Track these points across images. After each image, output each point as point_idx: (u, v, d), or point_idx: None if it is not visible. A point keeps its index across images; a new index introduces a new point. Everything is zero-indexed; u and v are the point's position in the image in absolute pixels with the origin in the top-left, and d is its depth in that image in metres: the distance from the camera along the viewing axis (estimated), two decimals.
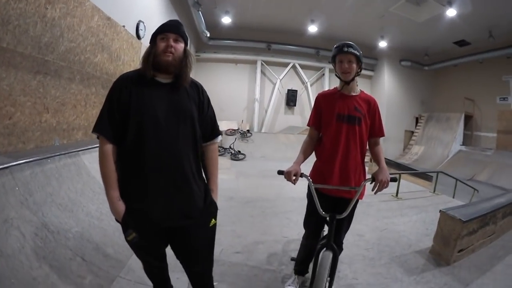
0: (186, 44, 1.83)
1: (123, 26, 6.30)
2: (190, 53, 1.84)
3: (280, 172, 2.36)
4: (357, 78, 2.47)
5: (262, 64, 18.56)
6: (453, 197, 7.59)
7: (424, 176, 9.08)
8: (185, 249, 1.94)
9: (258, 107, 18.38)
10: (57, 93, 4.16)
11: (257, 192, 6.51)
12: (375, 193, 2.30)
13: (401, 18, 14.06)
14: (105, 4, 5.36)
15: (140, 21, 7.48)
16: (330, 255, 2.21)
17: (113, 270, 2.87)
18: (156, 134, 1.69)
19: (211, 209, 1.96)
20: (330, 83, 18.98)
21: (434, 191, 7.28)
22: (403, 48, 18.82)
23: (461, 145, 17.11)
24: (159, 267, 2.10)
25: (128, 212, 1.74)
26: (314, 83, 19.00)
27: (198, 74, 18.43)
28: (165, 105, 1.73)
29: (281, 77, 18.43)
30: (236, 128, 15.16)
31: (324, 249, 2.26)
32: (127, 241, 1.81)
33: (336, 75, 2.49)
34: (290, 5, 14.01)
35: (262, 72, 18.72)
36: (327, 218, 2.29)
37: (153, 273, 2.12)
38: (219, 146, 11.92)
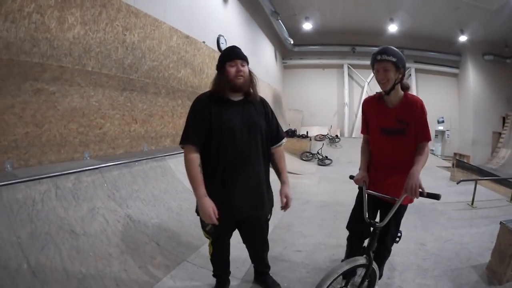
0: (248, 64, 2.14)
1: (203, 42, 6.89)
2: (253, 72, 2.17)
3: (352, 177, 2.46)
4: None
5: (348, 67, 18.33)
6: None
7: (506, 183, 7.84)
8: (249, 234, 2.41)
9: (348, 111, 18.01)
10: (144, 106, 4.79)
11: (334, 196, 6.43)
12: (410, 198, 2.11)
13: (476, 8, 12.96)
14: (182, 24, 5.98)
15: (220, 35, 8.06)
16: (357, 261, 2.07)
17: (182, 255, 3.19)
18: (233, 142, 2.04)
19: (270, 206, 2.32)
20: (417, 83, 17.67)
21: (511, 200, 6.23)
22: (483, 41, 16.63)
23: None
24: (225, 253, 2.48)
25: None
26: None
27: (287, 80, 18.82)
28: (239, 119, 2.07)
29: (368, 80, 17.74)
30: (325, 134, 15.00)
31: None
32: (205, 231, 2.25)
33: None
34: (367, 5, 13.80)
35: (350, 76, 18.43)
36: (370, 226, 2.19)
37: (219, 259, 2.48)
38: (306, 152, 12.11)
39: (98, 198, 3.19)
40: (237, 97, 2.11)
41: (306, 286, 2.86)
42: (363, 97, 17.64)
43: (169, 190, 4.28)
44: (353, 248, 2.55)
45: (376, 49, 2.26)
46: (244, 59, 2.09)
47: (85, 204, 2.99)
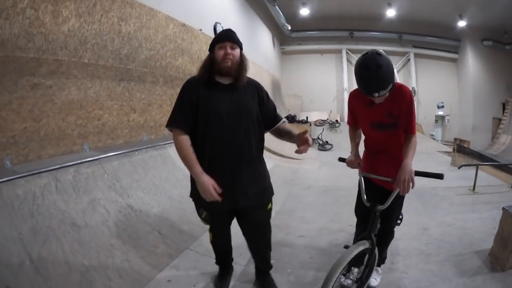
0: (241, 49, 2.06)
1: (200, 30, 6.82)
2: (245, 57, 2.08)
3: (341, 159, 2.46)
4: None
5: (347, 52, 18.27)
6: None
7: (507, 169, 7.89)
8: (246, 226, 2.30)
9: (347, 96, 17.76)
10: (142, 95, 4.77)
11: (336, 181, 6.43)
12: (401, 193, 2.07)
13: None
14: (178, 12, 5.90)
15: (217, 22, 7.96)
16: (362, 245, 2.04)
17: (184, 243, 3.22)
18: (221, 128, 1.96)
19: (268, 194, 2.23)
20: (416, 68, 17.63)
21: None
22: (482, 27, 16.50)
23: None
24: (225, 240, 2.46)
25: (198, 193, 1.97)
26: (401, 69, 18.09)
27: (285, 66, 18.71)
28: (227, 102, 1.99)
29: None
30: (325, 119, 14.98)
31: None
32: (201, 218, 2.22)
33: None
34: None
35: (349, 61, 18.30)
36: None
37: (219, 245, 2.48)
38: None
39: (99, 189, 3.21)
40: (227, 81, 2.03)
41: (309, 272, 2.88)
42: None
43: (170, 178, 4.30)
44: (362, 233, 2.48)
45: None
46: (234, 41, 2.01)
47: (85, 196, 3.02)
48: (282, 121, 2.26)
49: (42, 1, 3.12)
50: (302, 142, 2.03)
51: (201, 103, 1.96)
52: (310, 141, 2.02)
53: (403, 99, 2.10)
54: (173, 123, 1.98)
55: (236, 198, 2.04)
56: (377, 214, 2.11)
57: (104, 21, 3.95)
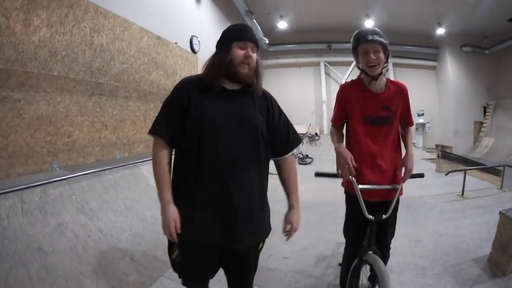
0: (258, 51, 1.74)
1: (176, 43, 6.84)
2: (260, 62, 1.75)
3: (322, 175, 2.26)
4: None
5: (325, 65, 18.83)
6: None
7: (493, 171, 8.10)
8: (231, 267, 1.86)
9: (326, 108, 18.44)
10: (114, 111, 4.70)
11: (319, 196, 6.33)
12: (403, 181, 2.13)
13: (454, 0, 13.66)
14: (153, 25, 5.92)
15: (193, 35, 8.06)
16: (377, 257, 2.04)
17: (158, 270, 3.10)
18: (213, 142, 1.59)
19: (264, 232, 1.85)
20: (395, 78, 18.18)
21: (501, 188, 6.49)
22: (461, 33, 17.58)
23: None
24: None
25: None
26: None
27: (263, 81, 18.85)
28: (226, 112, 1.63)
29: (346, 77, 18.26)
30: (305, 132, 15.21)
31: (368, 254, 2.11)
32: (171, 259, 1.81)
33: (359, 67, 2.20)
34: (341, 2, 14.24)
35: (327, 73, 18.94)
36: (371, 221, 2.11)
37: None
38: None
39: (67, 212, 3.08)
40: (234, 87, 1.68)
41: None
42: None
43: (143, 199, 4.20)
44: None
45: (359, 31, 2.15)
46: (256, 42, 1.68)
47: (52, 219, 2.89)
48: (293, 151, 1.88)
49: (13, 8, 3.05)
50: (286, 227, 1.82)
51: (192, 110, 1.60)
52: (292, 235, 1.84)
53: (401, 93, 2.18)
54: (154, 131, 1.64)
55: (224, 235, 1.65)
56: (374, 225, 2.10)
57: (75, 32, 3.89)
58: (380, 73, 2.09)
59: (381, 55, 2.04)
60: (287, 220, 1.83)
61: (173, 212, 1.57)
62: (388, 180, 2.16)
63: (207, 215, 1.61)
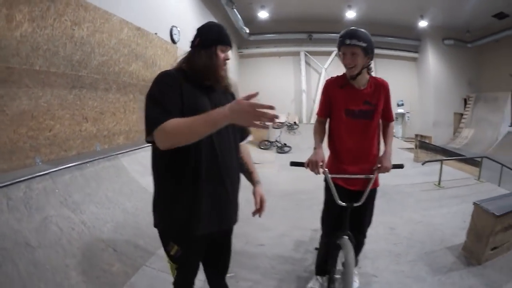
0: None
1: (155, 34, 6.85)
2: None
3: (295, 164, 2.34)
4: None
5: (305, 54, 19.06)
6: (499, 185, 6.94)
7: (472, 162, 8.49)
8: (218, 253, 2.00)
9: (305, 98, 18.70)
10: (94, 103, 4.74)
11: (296, 184, 6.56)
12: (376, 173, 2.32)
13: None
14: (134, 16, 5.91)
15: (173, 26, 8.03)
16: (350, 243, 2.19)
17: (140, 259, 3.29)
18: (211, 138, 1.61)
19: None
20: (376, 68, 18.55)
21: (479, 179, 6.80)
22: (444, 26, 18.13)
23: (509, 126, 16.17)
24: (192, 278, 2.00)
25: (174, 221, 1.71)
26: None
27: (243, 70, 19.05)
28: (213, 107, 1.52)
29: (326, 66, 18.56)
30: (283, 121, 15.41)
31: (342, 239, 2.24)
32: (169, 256, 1.80)
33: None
34: None
35: (307, 63, 19.17)
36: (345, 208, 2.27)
37: (183, 285, 2.00)
38: (265, 140, 12.34)
39: (51, 206, 3.19)
40: (206, 83, 1.73)
41: (271, 282, 2.93)
42: (321, 83, 18.35)
43: (124, 190, 4.33)
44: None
45: (335, 39, 2.28)
46: (231, 46, 1.81)
47: (38, 213, 2.99)
48: (249, 137, 2.04)
49: None
50: (257, 202, 1.96)
51: (186, 102, 1.59)
52: (264, 207, 1.97)
53: (381, 90, 2.35)
54: (165, 116, 1.46)
55: (226, 221, 1.83)
56: (348, 211, 2.25)
57: (57, 26, 3.91)
58: (359, 73, 2.25)
59: (359, 58, 2.18)
60: (258, 194, 1.98)
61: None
62: (366, 171, 2.34)
63: (208, 206, 1.68)
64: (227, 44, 1.75)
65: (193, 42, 1.77)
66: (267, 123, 1.32)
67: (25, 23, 3.44)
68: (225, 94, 1.84)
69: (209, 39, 1.72)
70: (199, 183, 1.65)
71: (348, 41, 2.16)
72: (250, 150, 2.15)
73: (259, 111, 1.26)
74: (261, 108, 1.26)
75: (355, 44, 2.14)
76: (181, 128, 1.43)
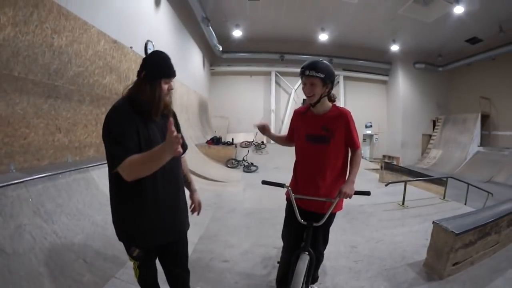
0: None
1: (131, 47, 6.94)
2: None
3: (266, 183, 2.66)
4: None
5: (276, 75, 19.73)
6: (465, 203, 7.41)
7: (438, 181, 8.89)
8: (174, 258, 2.34)
9: (274, 118, 19.16)
10: (68, 114, 4.75)
11: (261, 203, 6.71)
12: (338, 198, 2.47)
13: (411, 20, 14.60)
14: (111, 28, 6.01)
15: (148, 40, 8.16)
16: (307, 258, 2.37)
17: (110, 271, 3.34)
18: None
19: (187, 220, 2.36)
20: (345, 90, 19.36)
21: (444, 198, 7.13)
22: (416, 51, 19.15)
23: (478, 146, 17.21)
24: (154, 272, 2.39)
25: (133, 231, 2.04)
26: (330, 91, 19.80)
27: (214, 87, 19.29)
28: (161, 133, 1.95)
29: (295, 87, 19.17)
30: (251, 140, 15.67)
31: (301, 253, 2.41)
32: (131, 257, 2.11)
33: None
34: (298, 15, 14.83)
35: (277, 83, 19.86)
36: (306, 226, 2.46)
37: (150, 279, 2.37)
38: (232, 159, 12.50)
39: (24, 215, 3.19)
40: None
41: None
42: (290, 104, 19.10)
43: (93, 203, 4.32)
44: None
45: (306, 60, 2.52)
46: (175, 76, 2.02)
47: (12, 221, 2.99)
48: (187, 151, 2.32)
49: None
50: (196, 206, 2.43)
51: (142, 137, 1.85)
52: (197, 210, 2.42)
53: (340, 118, 2.51)
54: (126, 153, 1.73)
55: (178, 227, 2.20)
56: (311, 229, 2.43)
57: (38, 32, 3.97)
58: (318, 101, 2.47)
59: (317, 88, 2.42)
60: (196, 200, 2.42)
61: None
62: (323, 195, 2.52)
63: (160, 219, 2.04)
64: (170, 76, 1.97)
65: (139, 72, 1.95)
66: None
67: (8, 26, 3.48)
68: (168, 117, 2.00)
69: (154, 73, 1.92)
70: (147, 202, 1.97)
71: (307, 72, 2.40)
72: (187, 163, 2.50)
73: (174, 136, 1.53)
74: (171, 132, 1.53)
75: (314, 75, 2.38)
76: (138, 165, 1.71)
